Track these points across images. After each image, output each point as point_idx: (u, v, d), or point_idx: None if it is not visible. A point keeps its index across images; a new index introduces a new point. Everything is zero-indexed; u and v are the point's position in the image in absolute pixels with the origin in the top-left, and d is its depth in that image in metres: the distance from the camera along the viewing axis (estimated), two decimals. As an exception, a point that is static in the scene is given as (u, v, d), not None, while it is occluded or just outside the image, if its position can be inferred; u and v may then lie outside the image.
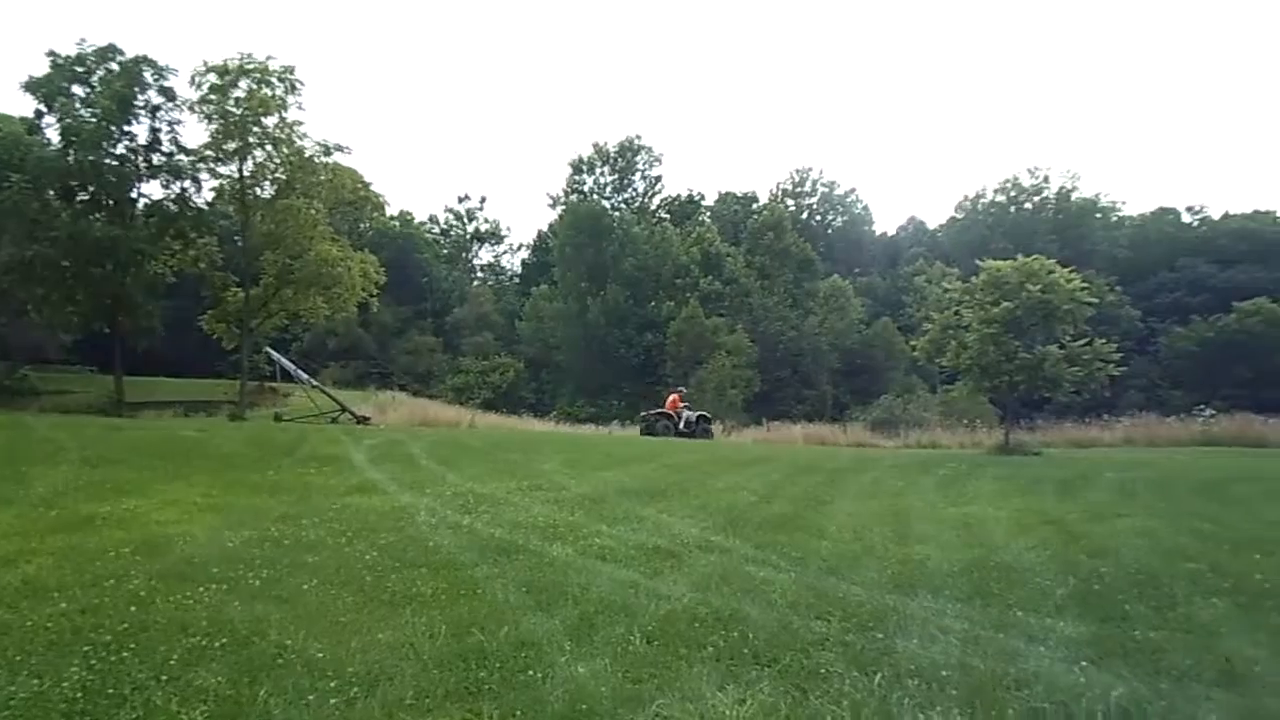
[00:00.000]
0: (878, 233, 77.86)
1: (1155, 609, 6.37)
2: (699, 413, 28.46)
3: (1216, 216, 66.70)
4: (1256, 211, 66.38)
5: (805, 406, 47.18)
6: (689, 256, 57.34)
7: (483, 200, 73.39)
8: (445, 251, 71.26)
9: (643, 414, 30.05)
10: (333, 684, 4.46)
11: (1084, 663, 5.08)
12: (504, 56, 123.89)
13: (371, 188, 45.11)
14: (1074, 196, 65.36)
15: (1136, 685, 4.71)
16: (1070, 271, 20.58)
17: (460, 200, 73.49)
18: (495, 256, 75.95)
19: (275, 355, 30.15)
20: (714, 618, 5.86)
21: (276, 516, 9.00)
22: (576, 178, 67.27)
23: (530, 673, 4.74)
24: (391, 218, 64.66)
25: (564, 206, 64.49)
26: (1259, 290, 51.81)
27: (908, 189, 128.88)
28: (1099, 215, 65.82)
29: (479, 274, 75.58)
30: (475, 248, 75.11)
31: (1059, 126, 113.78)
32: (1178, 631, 5.84)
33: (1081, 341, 20.34)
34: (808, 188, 73.35)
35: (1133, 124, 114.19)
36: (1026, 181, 66.75)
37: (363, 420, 25.86)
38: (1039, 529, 9.92)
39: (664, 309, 53.90)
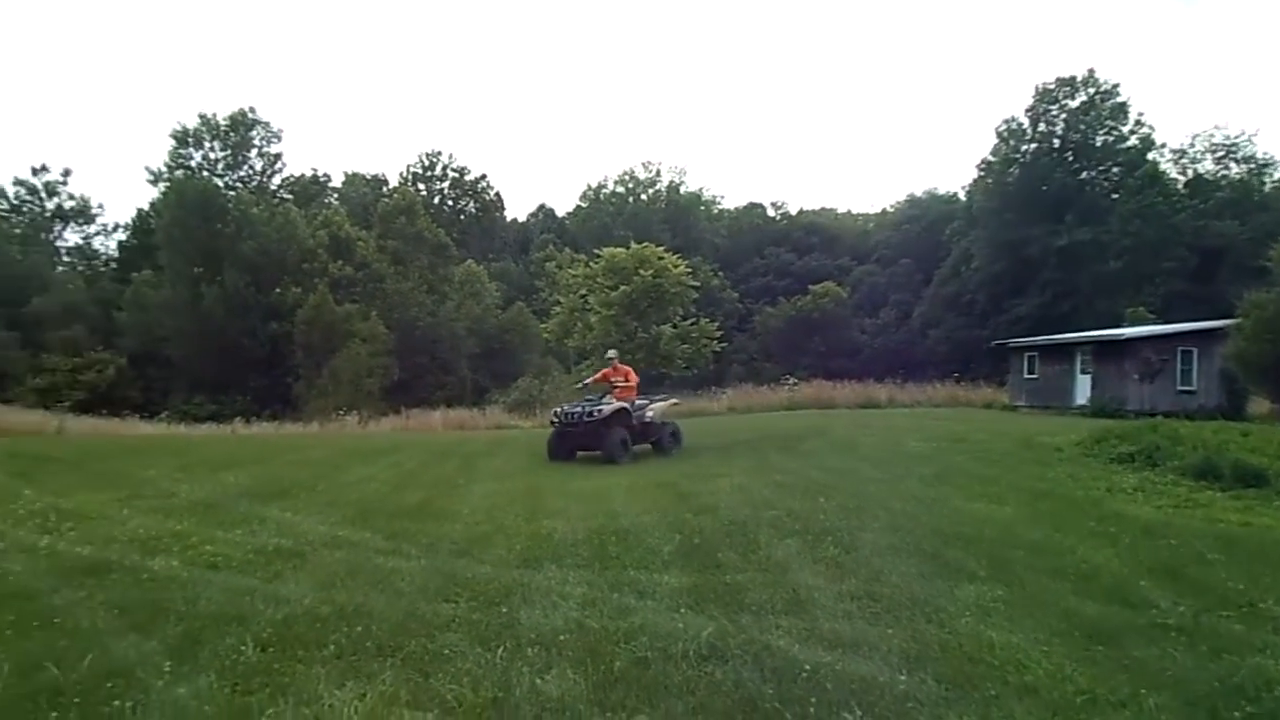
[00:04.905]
0: (509, 219, 79.44)
1: (742, 554, 7.32)
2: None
3: (794, 212, 78.02)
4: (823, 208, 79.29)
5: (445, 392, 46.86)
6: (316, 240, 53.83)
7: (66, 173, 61.63)
8: (18, 232, 59.35)
9: None
10: None
11: (683, 609, 5.69)
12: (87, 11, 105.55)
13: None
14: (682, 190, 72.50)
15: (724, 622, 5.37)
16: (677, 258, 22.72)
17: (35, 172, 61.34)
18: (85, 238, 64.33)
19: None
20: (337, 615, 5.66)
21: None
22: (181, 151, 59.71)
23: (118, 703, 4.20)
24: (-68, 190, 52.60)
25: (168, 183, 56.96)
26: (827, 275, 61.89)
27: (537, 177, 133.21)
28: (703, 207, 73.75)
29: (65, 258, 63.99)
30: (58, 227, 63.27)
31: (670, 123, 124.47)
32: (758, 571, 6.75)
33: (689, 321, 22.59)
34: (438, 172, 72.56)
35: (728, 126, 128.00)
36: (642, 174, 72.70)
37: (-105, 435, 20.88)
38: (654, 493, 10.91)
39: (291, 296, 50.09)
